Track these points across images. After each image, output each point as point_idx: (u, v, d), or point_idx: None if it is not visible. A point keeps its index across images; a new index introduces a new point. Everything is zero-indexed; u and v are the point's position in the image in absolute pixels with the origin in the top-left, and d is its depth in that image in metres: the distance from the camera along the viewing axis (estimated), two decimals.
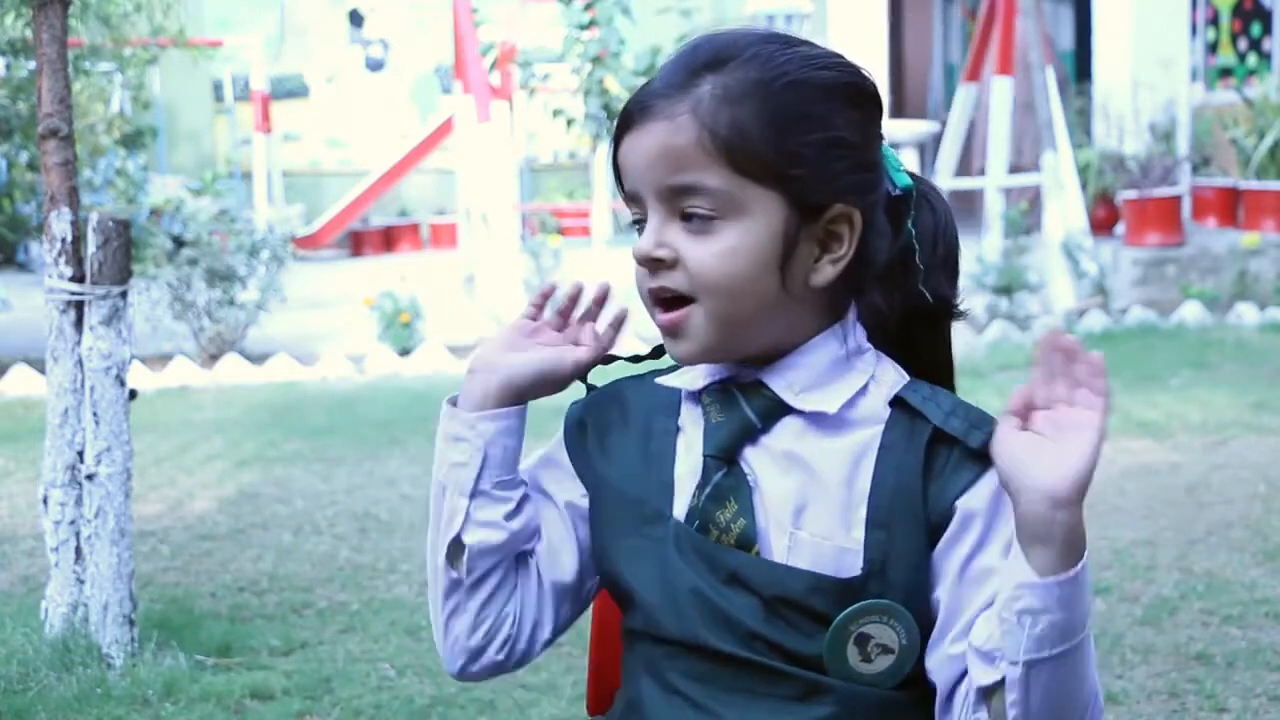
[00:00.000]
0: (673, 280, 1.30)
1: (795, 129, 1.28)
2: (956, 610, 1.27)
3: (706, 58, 1.31)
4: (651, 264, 1.31)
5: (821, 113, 1.29)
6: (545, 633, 1.43)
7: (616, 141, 1.35)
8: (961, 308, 1.42)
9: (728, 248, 1.28)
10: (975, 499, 1.28)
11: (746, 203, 1.28)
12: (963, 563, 1.27)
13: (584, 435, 1.43)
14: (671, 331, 1.32)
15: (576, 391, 1.49)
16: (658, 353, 1.45)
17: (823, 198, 1.30)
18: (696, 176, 1.28)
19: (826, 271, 1.32)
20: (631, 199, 1.34)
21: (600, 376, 1.48)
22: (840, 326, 1.34)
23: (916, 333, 1.39)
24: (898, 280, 1.36)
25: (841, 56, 1.33)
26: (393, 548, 4.63)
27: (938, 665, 1.29)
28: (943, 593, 1.28)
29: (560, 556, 1.42)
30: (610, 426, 1.42)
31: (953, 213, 1.43)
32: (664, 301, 1.32)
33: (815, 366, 1.32)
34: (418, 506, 5.10)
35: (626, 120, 1.33)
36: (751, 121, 1.28)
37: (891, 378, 1.34)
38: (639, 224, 1.34)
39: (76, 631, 3.53)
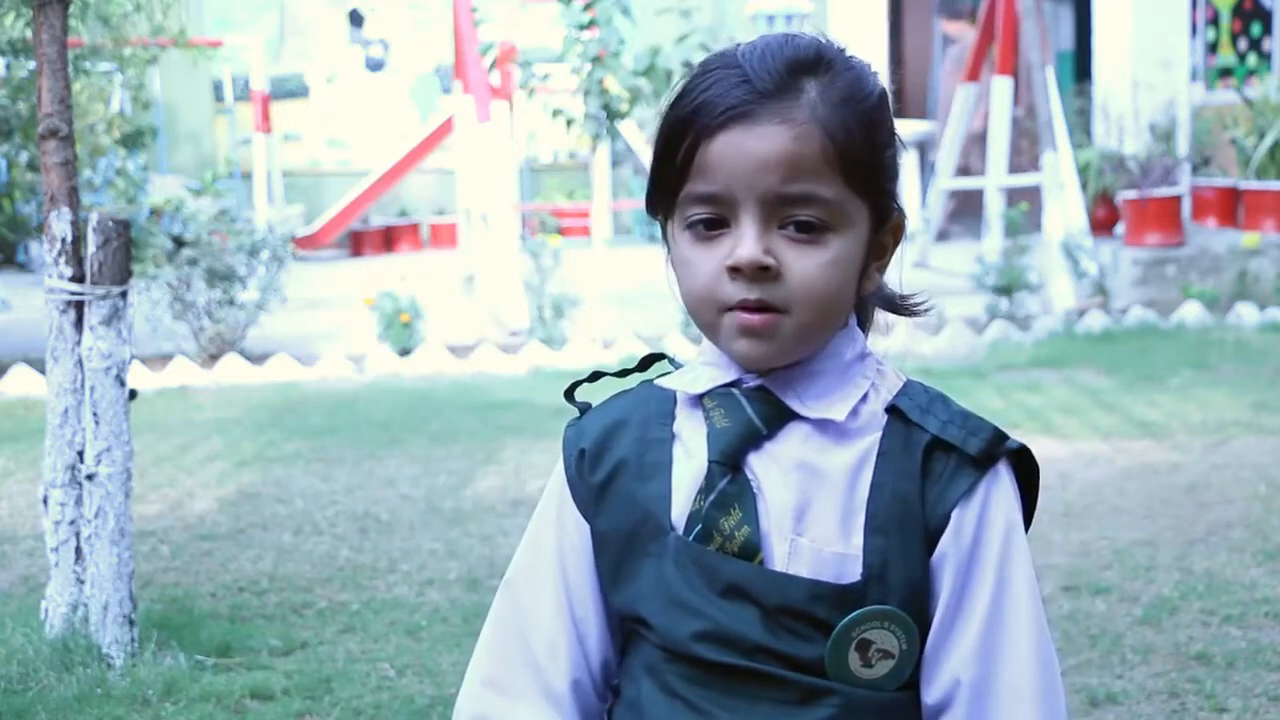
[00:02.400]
0: (772, 291, 1.26)
1: (883, 142, 1.30)
2: (942, 641, 1.28)
3: (803, 59, 1.27)
4: (758, 273, 1.25)
5: (893, 127, 1.32)
6: None
7: (695, 138, 1.26)
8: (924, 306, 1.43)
9: (832, 259, 1.26)
10: (970, 509, 1.28)
11: (850, 213, 1.28)
12: (955, 590, 1.28)
13: (583, 465, 1.38)
14: (758, 333, 1.27)
15: (570, 410, 1.46)
16: (645, 365, 1.44)
17: (890, 209, 1.32)
18: (815, 186, 1.25)
19: (875, 280, 1.33)
20: (708, 199, 1.27)
21: (586, 393, 1.44)
22: (846, 332, 1.34)
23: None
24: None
25: None
26: (393, 548, 4.63)
27: (926, 684, 1.30)
28: (935, 612, 1.28)
29: (604, 606, 1.39)
30: (607, 447, 1.37)
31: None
32: (748, 306, 1.27)
33: (827, 374, 1.32)
34: (418, 506, 5.10)
35: (720, 117, 1.25)
36: (859, 131, 1.27)
37: (891, 381, 1.34)
38: (708, 224, 1.28)
39: (76, 631, 3.53)
